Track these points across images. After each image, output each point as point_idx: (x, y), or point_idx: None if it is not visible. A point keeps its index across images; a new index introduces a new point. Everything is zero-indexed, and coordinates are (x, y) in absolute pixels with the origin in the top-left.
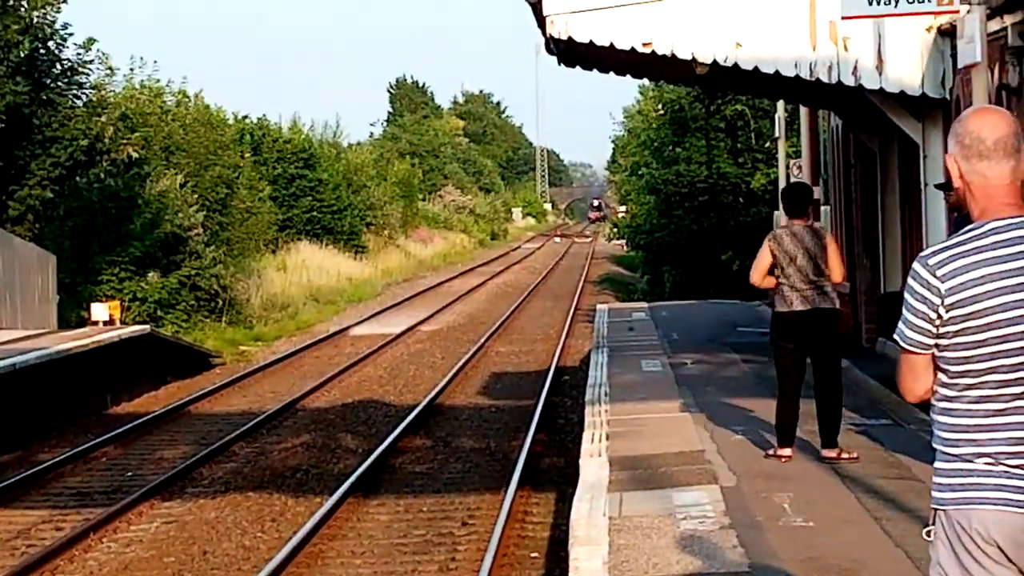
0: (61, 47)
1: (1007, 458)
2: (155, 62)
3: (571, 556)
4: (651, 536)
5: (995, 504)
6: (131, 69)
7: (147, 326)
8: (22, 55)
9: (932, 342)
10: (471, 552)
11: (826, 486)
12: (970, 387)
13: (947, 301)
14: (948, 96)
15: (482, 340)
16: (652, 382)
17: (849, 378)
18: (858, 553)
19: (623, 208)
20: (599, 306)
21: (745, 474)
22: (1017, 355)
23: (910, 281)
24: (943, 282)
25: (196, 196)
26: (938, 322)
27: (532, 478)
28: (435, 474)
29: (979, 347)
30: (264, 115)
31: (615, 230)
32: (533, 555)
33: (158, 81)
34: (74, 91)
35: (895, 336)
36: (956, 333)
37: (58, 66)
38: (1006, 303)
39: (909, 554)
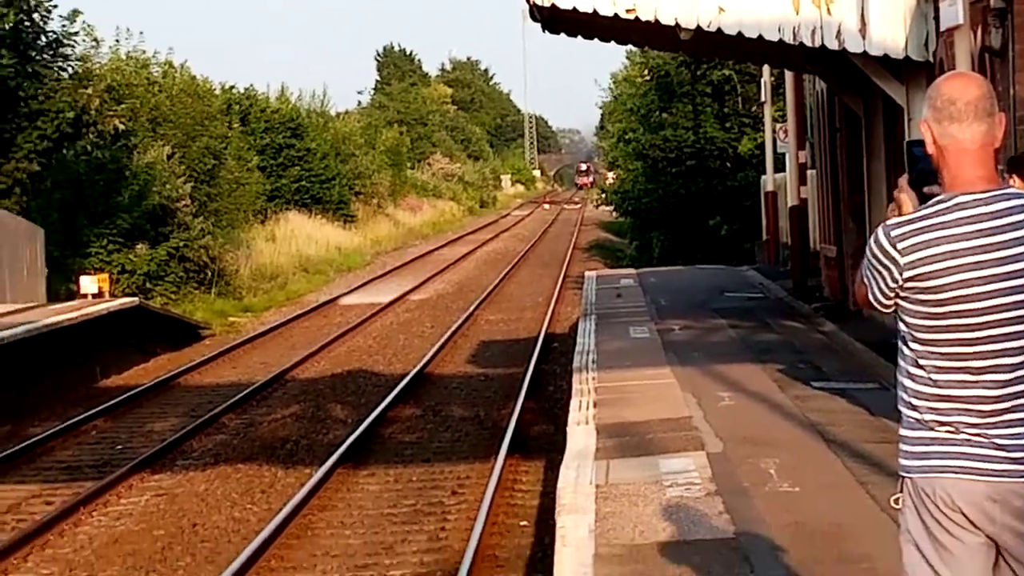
0: (46, 19)
1: (966, 427)
2: (141, 33)
3: (558, 524)
4: (637, 504)
5: (956, 473)
6: (116, 40)
7: (136, 298)
8: (7, 28)
9: (891, 303)
10: (461, 521)
11: (812, 451)
12: (932, 356)
13: (905, 274)
14: (932, 59)
15: (471, 308)
16: (640, 349)
17: (837, 342)
18: (843, 518)
19: (611, 174)
20: (587, 273)
21: (732, 440)
22: (975, 330)
23: (871, 245)
24: (902, 256)
25: (183, 167)
26: (896, 288)
27: (521, 446)
28: (425, 443)
29: (938, 319)
30: (251, 85)
31: (603, 196)
32: (522, 523)
33: (144, 52)
34: (59, 63)
35: (865, 274)
36: (916, 302)
37: (43, 38)
38: (966, 280)
39: (893, 519)
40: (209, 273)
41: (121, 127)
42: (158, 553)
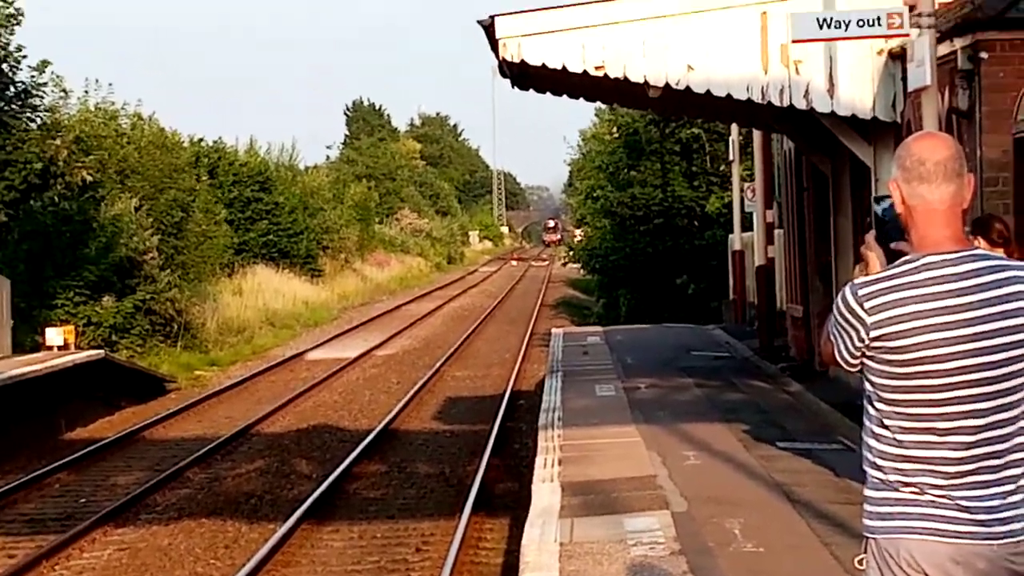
0: (15, 70)
1: (931, 488)
2: (110, 84)
3: None
4: (602, 562)
5: (920, 534)
6: (85, 92)
7: (101, 351)
8: None
9: (857, 362)
10: None
11: (777, 512)
12: (897, 416)
13: (872, 334)
14: (899, 119)
15: (438, 364)
16: (605, 407)
17: (803, 402)
18: None
19: (579, 231)
20: (554, 330)
21: (696, 499)
22: (941, 391)
23: (839, 303)
24: (869, 315)
25: (151, 220)
26: (863, 347)
27: (486, 503)
28: (389, 500)
29: (904, 379)
30: (220, 138)
31: (571, 253)
32: None
33: (113, 104)
34: (28, 114)
35: (831, 332)
36: (882, 362)
37: (12, 89)
38: (933, 340)
39: None
40: (175, 326)
41: (89, 179)
42: None
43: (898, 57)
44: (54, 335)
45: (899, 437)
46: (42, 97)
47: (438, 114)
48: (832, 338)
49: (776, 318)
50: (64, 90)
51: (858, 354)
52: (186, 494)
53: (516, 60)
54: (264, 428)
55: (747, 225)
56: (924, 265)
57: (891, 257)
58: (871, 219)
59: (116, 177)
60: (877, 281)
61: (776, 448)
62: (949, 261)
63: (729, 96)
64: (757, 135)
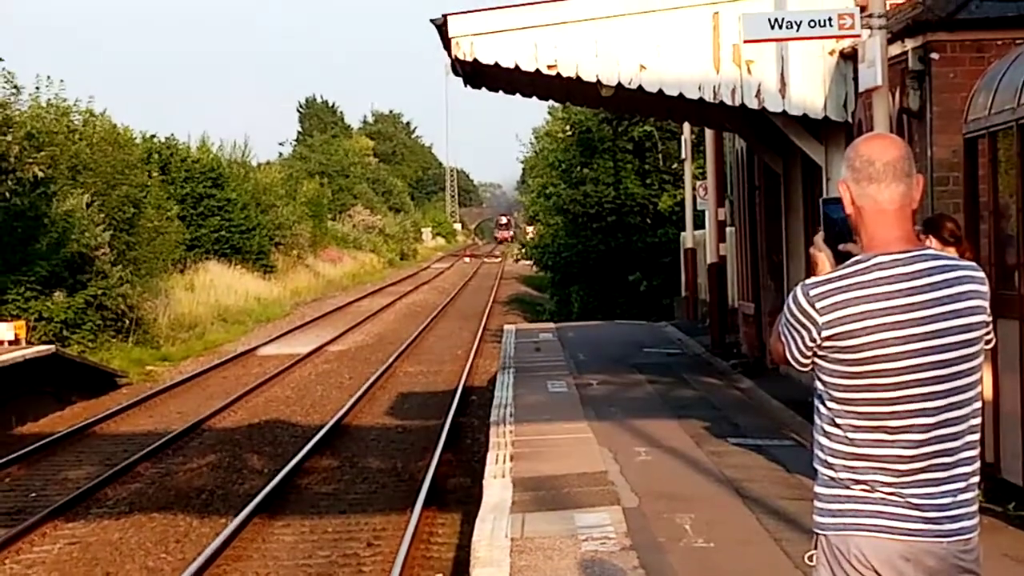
0: None
1: (882, 486)
2: (62, 81)
3: None
4: (552, 557)
5: (871, 531)
6: (37, 88)
7: (52, 346)
8: None
9: (809, 361)
10: (376, 573)
11: (728, 507)
12: (849, 414)
13: (824, 333)
14: (850, 119)
15: (390, 360)
16: (557, 403)
17: (754, 399)
18: (757, 574)
19: (531, 228)
20: (507, 327)
21: (647, 495)
22: (892, 390)
23: (790, 304)
24: (821, 315)
25: (103, 215)
26: (814, 347)
27: (438, 498)
28: (341, 495)
29: (856, 379)
30: (172, 134)
31: (523, 250)
32: None
33: (65, 100)
34: None
35: (782, 332)
36: (834, 361)
37: None
38: (884, 340)
39: None
40: (127, 321)
41: (40, 174)
42: None
43: (849, 57)
44: (5, 330)
45: (850, 435)
46: None
47: (391, 111)
48: (783, 338)
49: (728, 315)
50: (16, 86)
51: (809, 354)
52: (137, 488)
53: (469, 59)
54: (216, 423)
55: (699, 223)
56: (875, 265)
57: (840, 259)
58: (821, 218)
59: (68, 173)
60: (828, 281)
61: (727, 444)
62: (900, 261)
63: (681, 95)
64: (709, 134)
